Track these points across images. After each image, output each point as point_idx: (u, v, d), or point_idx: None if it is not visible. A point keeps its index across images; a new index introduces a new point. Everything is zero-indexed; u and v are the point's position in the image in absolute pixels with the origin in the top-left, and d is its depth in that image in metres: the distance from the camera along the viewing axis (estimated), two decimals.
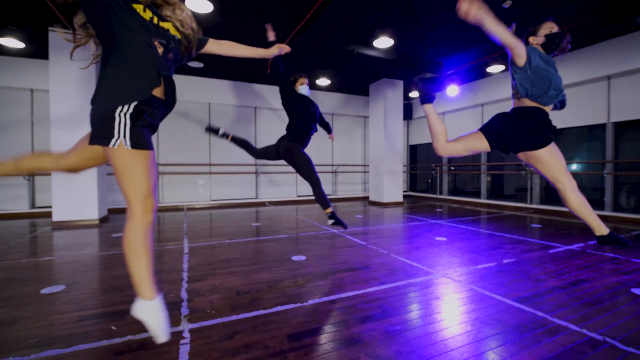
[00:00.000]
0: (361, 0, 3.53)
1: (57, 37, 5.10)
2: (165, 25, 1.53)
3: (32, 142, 6.58)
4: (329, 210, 3.40)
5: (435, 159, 10.00)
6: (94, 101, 1.39)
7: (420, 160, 10.91)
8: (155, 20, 1.48)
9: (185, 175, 7.76)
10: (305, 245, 3.81)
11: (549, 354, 1.55)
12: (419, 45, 5.73)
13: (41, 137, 6.59)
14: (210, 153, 8.00)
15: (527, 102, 2.28)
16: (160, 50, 1.47)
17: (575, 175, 6.84)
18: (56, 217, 5.21)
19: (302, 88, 3.53)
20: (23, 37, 5.34)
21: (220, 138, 3.87)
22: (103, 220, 5.65)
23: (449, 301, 2.20)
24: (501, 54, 6.10)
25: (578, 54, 6.06)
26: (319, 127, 3.77)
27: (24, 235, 4.52)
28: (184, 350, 1.60)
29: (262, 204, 8.23)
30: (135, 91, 1.37)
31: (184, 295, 2.31)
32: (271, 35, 3.08)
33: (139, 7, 1.41)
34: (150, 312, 1.35)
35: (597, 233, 2.24)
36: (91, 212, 5.41)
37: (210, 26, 4.97)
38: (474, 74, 7.50)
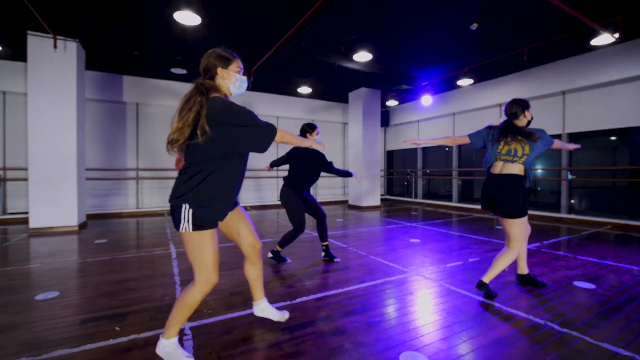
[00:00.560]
0: (343, 20, 3.81)
1: (36, 41, 5.05)
2: None
3: (3, 145, 6.38)
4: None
5: (411, 164, 10.48)
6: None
7: (397, 165, 11.38)
8: None
9: (166, 180, 7.75)
10: (289, 248, 4.02)
11: (500, 336, 1.86)
12: (395, 59, 6.12)
13: (13, 141, 6.40)
14: None
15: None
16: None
17: (535, 180, 7.46)
18: (33, 223, 5.13)
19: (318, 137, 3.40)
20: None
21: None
22: (82, 226, 5.59)
23: (421, 296, 2.49)
24: (470, 69, 6.60)
25: (537, 71, 6.66)
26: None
27: (0, 242, 4.45)
28: (188, 345, 1.79)
29: (244, 208, 8.32)
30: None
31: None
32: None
33: None
34: (170, 347, 1.61)
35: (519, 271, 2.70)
36: (70, 218, 5.36)
37: (198, 38, 5.10)
38: (446, 85, 8.00)
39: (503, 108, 2.58)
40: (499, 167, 2.47)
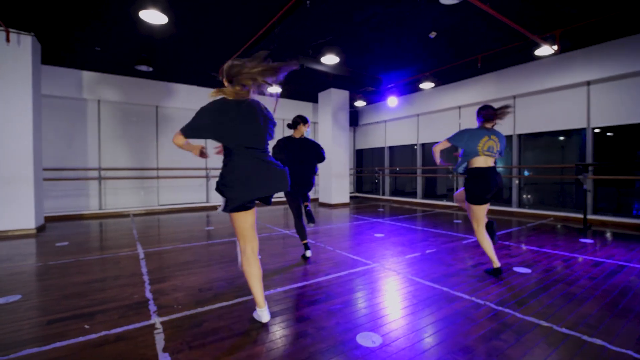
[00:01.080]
0: (309, 26, 3.97)
1: None
2: None
3: None
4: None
5: (379, 163, 10.87)
6: None
7: (366, 164, 11.75)
8: None
9: (131, 180, 7.53)
10: (259, 245, 4.12)
11: (445, 315, 2.12)
12: (362, 62, 6.37)
13: None
14: (158, 157, 7.85)
15: None
16: None
17: None
18: None
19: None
20: None
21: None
22: (40, 229, 5.35)
23: (380, 285, 2.72)
24: (431, 73, 7.00)
25: (491, 76, 7.20)
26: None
27: None
28: (160, 337, 1.88)
29: (214, 207, 8.29)
30: None
31: (149, 295, 2.52)
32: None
33: None
34: (259, 314, 2.06)
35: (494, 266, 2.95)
36: (27, 221, 5.11)
37: (165, 37, 5.04)
38: (411, 88, 8.41)
39: (478, 112, 3.00)
40: (483, 162, 2.87)
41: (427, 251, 3.80)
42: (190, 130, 1.86)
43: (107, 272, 3.12)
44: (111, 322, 2.07)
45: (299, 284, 2.74)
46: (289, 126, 3.42)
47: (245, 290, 2.61)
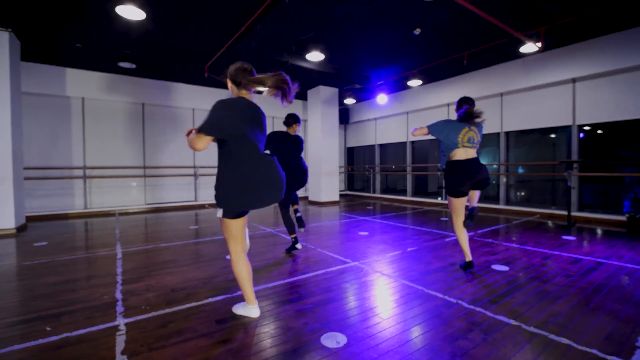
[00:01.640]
0: (289, 22, 3.92)
1: None
2: None
3: None
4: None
5: (370, 160, 10.86)
6: None
7: (357, 162, 11.73)
8: None
9: (117, 179, 7.44)
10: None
11: (415, 314, 2.11)
12: (348, 59, 6.33)
13: None
14: (145, 155, 7.76)
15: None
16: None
17: None
18: None
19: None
20: None
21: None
22: (21, 229, 5.26)
23: (355, 284, 2.70)
24: (419, 70, 6.98)
25: (478, 74, 7.19)
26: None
27: None
28: (121, 339, 1.84)
29: (202, 206, 8.22)
30: None
31: (118, 295, 2.48)
32: None
33: None
34: (250, 311, 2.11)
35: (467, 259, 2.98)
36: (7, 220, 5.02)
37: (142, 33, 4.96)
38: (399, 85, 8.38)
39: (460, 104, 2.97)
40: (463, 153, 2.86)
41: (409, 249, 3.78)
42: (211, 126, 1.79)
43: (81, 272, 3.07)
44: (75, 324, 2.03)
45: (274, 284, 2.71)
46: (285, 123, 3.66)
47: (218, 290, 2.57)
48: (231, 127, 1.84)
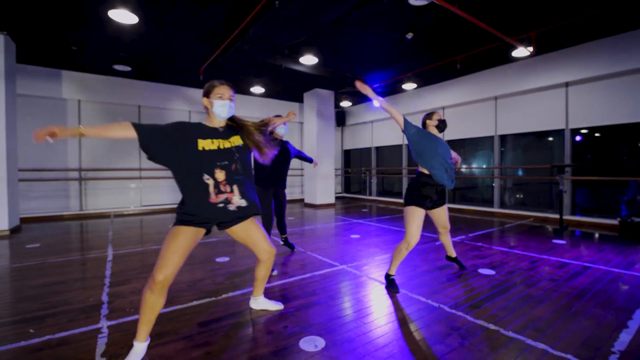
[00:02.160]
0: (281, 26, 3.95)
1: None
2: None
3: None
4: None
5: (367, 163, 10.88)
6: None
7: (354, 164, 11.75)
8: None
9: (113, 181, 7.46)
10: (231, 247, 4.11)
11: (395, 318, 2.12)
12: (343, 63, 6.37)
13: None
14: (141, 157, 7.78)
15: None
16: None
17: (472, 178, 8.10)
18: None
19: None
20: None
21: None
22: (15, 230, 5.28)
23: (341, 287, 2.71)
24: (414, 73, 7.01)
25: (472, 77, 7.23)
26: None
27: None
28: (102, 342, 1.85)
29: None
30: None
31: (104, 298, 2.49)
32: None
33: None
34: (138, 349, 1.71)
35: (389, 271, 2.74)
36: (0, 222, 5.04)
37: (135, 36, 5.00)
38: (394, 88, 8.42)
39: (431, 119, 2.88)
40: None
41: None
42: None
43: (69, 274, 3.08)
44: (58, 326, 2.04)
45: None
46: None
47: (203, 293, 2.59)
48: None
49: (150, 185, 7.94)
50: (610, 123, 5.46)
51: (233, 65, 5.57)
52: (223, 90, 1.89)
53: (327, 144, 8.85)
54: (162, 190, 8.09)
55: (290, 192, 10.43)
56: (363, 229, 5.38)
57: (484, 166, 7.68)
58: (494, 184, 7.30)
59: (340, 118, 10.91)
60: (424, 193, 2.67)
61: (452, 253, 3.19)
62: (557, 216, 5.99)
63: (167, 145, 1.77)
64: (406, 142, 9.12)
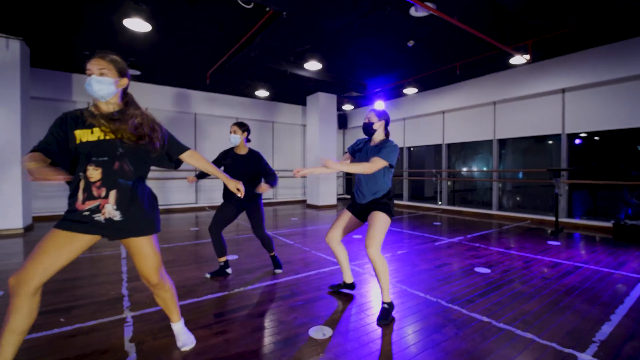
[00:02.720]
0: (287, 35, 4.13)
1: None
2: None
3: None
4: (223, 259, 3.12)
5: None
6: None
7: None
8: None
9: None
10: (239, 245, 4.29)
11: (397, 311, 2.30)
12: (345, 68, 6.56)
13: None
14: None
15: None
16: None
17: (473, 180, 8.27)
18: None
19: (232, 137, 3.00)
20: None
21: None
22: (28, 229, 5.47)
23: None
24: (414, 79, 7.20)
25: (471, 83, 7.41)
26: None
27: None
28: (129, 330, 2.03)
29: (202, 208, 8.43)
30: None
31: (124, 292, 2.68)
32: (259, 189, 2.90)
33: None
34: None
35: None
36: (14, 220, 5.23)
37: (148, 44, 5.19)
38: (396, 93, 8.61)
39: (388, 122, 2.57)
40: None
41: (398, 252, 3.98)
42: None
43: (87, 270, 3.26)
44: (86, 316, 2.23)
45: (269, 282, 2.90)
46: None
47: (216, 287, 2.77)
48: None
49: (157, 185, 8.13)
50: (606, 128, 5.63)
51: (239, 70, 5.76)
52: (90, 64, 1.53)
53: (329, 146, 9.03)
54: (167, 191, 8.27)
55: (292, 194, 10.61)
56: (364, 229, 5.55)
57: (483, 169, 7.85)
58: (491, 187, 7.48)
59: (342, 121, 11.10)
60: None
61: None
62: (553, 219, 6.16)
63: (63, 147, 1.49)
64: (407, 144, 9.32)
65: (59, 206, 6.94)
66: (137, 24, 4.16)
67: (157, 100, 7.96)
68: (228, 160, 3.05)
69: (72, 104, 7.10)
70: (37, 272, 1.39)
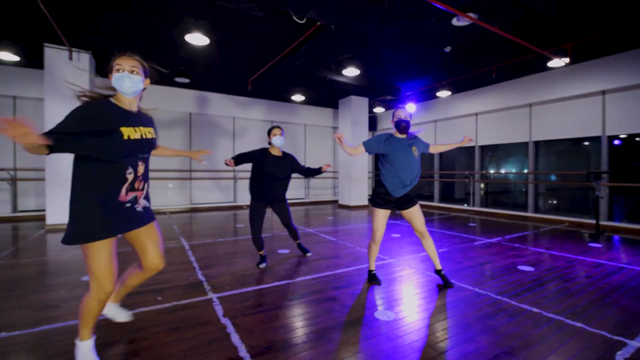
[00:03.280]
0: (331, 46, 4.43)
1: (53, 52, 5.51)
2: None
3: (14, 148, 6.78)
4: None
5: None
6: None
7: None
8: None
9: (166, 181, 8.23)
10: (285, 241, 4.62)
11: (449, 300, 2.52)
12: (381, 73, 6.79)
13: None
14: (190, 159, 8.53)
15: None
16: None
17: (506, 182, 8.25)
18: (49, 220, 5.59)
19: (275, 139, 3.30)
20: (17, 51, 5.66)
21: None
22: None
23: (395, 276, 3.14)
24: (447, 82, 7.32)
25: (506, 85, 7.43)
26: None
27: (25, 237, 4.91)
28: (218, 308, 2.38)
29: (240, 207, 8.89)
30: None
31: (201, 277, 3.05)
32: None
33: None
34: (84, 349, 1.65)
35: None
36: None
37: (208, 56, 5.66)
38: (428, 95, 8.72)
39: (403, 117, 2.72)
40: None
41: (440, 250, 4.16)
42: None
43: None
44: (177, 296, 2.60)
45: (325, 274, 3.19)
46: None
47: (279, 276, 3.09)
48: None
49: (199, 185, 8.67)
50: None
51: (281, 77, 6.13)
52: (121, 61, 1.62)
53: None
54: (209, 190, 8.80)
55: (322, 194, 10.92)
56: (400, 229, 5.75)
57: (519, 171, 7.82)
58: (523, 189, 7.44)
59: (372, 122, 11.29)
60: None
61: (438, 265, 2.94)
62: (593, 221, 6.10)
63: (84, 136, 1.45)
64: None
65: None
66: (196, 39, 4.59)
67: (200, 105, 8.50)
68: (267, 161, 3.28)
69: None
70: (114, 281, 1.61)
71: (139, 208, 1.67)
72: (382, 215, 2.83)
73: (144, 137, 1.64)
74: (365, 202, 9.43)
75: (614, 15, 4.22)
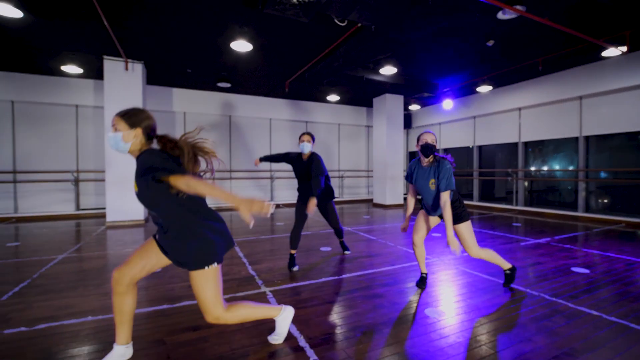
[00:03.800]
0: (370, 46, 4.47)
1: (111, 64, 6.02)
2: None
3: (77, 151, 7.47)
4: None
5: None
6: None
7: None
8: None
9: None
10: (326, 239, 4.73)
11: (500, 301, 2.50)
12: (418, 70, 6.70)
13: (85, 147, 7.50)
14: (231, 160, 8.92)
15: None
16: None
17: (553, 180, 7.82)
18: (109, 218, 6.13)
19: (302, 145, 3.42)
20: (80, 64, 6.24)
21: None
22: (147, 220, 6.55)
23: (440, 275, 3.14)
24: (488, 77, 7.06)
25: (553, 77, 7.03)
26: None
27: (90, 232, 5.43)
28: (273, 301, 2.53)
29: (277, 205, 9.15)
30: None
31: (252, 272, 3.24)
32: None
33: None
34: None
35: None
36: (137, 213, 6.32)
37: (249, 61, 5.91)
38: (466, 90, 8.46)
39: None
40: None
41: None
42: None
43: None
44: (234, 289, 2.79)
45: (369, 271, 3.26)
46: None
47: (327, 273, 3.20)
48: None
49: (238, 185, 9.04)
50: None
51: (319, 78, 6.24)
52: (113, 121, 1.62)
53: (396, 147, 9.19)
54: (247, 189, 9.15)
55: (357, 193, 10.95)
56: (440, 228, 5.66)
57: (568, 168, 7.39)
58: (569, 187, 7.01)
59: (407, 120, 11.13)
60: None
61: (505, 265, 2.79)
62: None
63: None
64: (477, 143, 9.08)
65: None
66: (241, 45, 4.82)
67: (239, 108, 8.86)
68: (298, 164, 3.50)
69: (170, 114, 8.26)
70: (134, 270, 1.66)
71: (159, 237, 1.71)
72: (421, 215, 2.83)
73: (135, 190, 1.60)
74: (401, 202, 9.34)
75: None
